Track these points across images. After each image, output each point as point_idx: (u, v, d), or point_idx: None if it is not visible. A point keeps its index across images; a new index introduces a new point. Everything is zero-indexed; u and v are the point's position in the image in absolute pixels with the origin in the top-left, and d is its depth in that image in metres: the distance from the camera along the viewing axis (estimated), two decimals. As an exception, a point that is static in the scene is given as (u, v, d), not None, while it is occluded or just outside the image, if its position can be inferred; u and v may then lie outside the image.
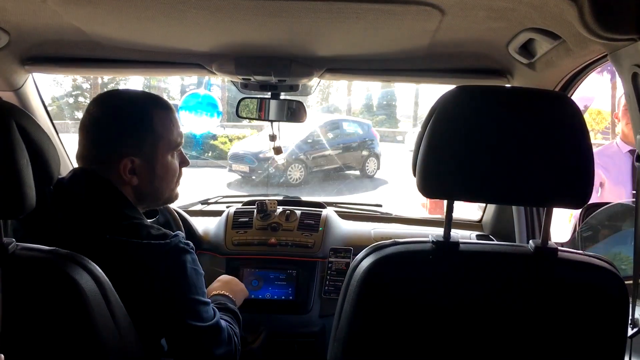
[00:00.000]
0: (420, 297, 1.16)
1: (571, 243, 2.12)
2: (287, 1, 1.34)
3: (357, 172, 12.43)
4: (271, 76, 1.91)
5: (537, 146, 1.11)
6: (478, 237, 2.39)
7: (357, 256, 1.22)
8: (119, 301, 1.22)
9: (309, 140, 11.81)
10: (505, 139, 1.11)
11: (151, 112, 1.43)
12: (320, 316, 2.12)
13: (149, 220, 1.42)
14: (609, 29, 1.17)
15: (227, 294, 1.70)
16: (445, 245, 1.17)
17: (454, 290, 1.16)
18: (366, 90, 25.13)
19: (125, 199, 1.39)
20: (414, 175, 1.18)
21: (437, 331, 1.16)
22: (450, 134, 1.12)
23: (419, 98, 23.20)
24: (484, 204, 2.56)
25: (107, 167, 1.38)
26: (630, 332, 1.26)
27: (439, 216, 3.52)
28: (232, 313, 1.60)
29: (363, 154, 12.51)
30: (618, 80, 1.56)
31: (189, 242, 1.39)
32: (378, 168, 12.46)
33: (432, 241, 1.18)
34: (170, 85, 18.39)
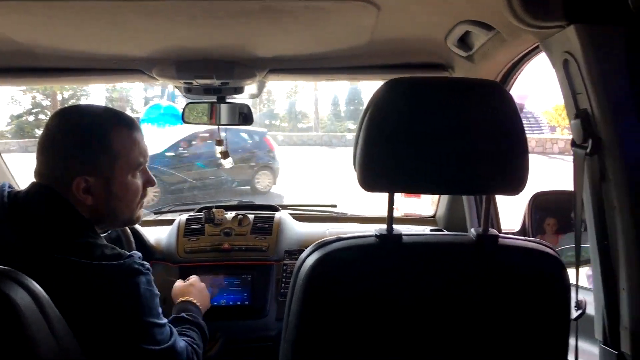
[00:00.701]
0: (365, 291, 1.15)
1: (521, 232, 2.15)
2: (222, 1, 1.33)
3: (248, 187, 11.10)
4: (213, 79, 1.90)
5: (472, 135, 1.12)
6: (432, 231, 2.41)
7: (302, 254, 1.21)
8: (60, 317, 1.17)
9: (170, 154, 10.38)
10: (440, 129, 1.11)
11: (110, 130, 1.37)
12: (277, 319, 2.10)
13: (102, 235, 1.38)
14: (538, 16, 1.19)
15: (196, 302, 1.67)
16: (389, 239, 1.17)
17: (399, 283, 1.16)
18: (333, 94, 25.25)
19: (81, 218, 1.34)
20: (355, 170, 1.17)
21: (384, 324, 1.16)
22: (385, 126, 1.12)
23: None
24: (437, 199, 2.58)
25: (62, 184, 1.34)
26: (574, 314, 1.27)
27: (397, 215, 3.54)
28: (199, 328, 1.57)
29: (252, 167, 11.18)
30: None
31: (145, 262, 1.34)
32: (274, 183, 11.14)
33: (376, 235, 1.17)
34: (133, 98, 18.23)
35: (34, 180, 1.37)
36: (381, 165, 1.12)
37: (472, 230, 1.19)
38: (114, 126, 1.38)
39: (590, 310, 1.35)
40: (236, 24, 1.51)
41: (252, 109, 2.17)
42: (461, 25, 1.52)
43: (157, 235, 2.27)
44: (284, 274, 2.14)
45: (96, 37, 1.63)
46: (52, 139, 1.36)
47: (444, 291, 1.15)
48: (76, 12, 1.37)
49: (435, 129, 1.11)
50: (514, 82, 1.81)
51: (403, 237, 1.17)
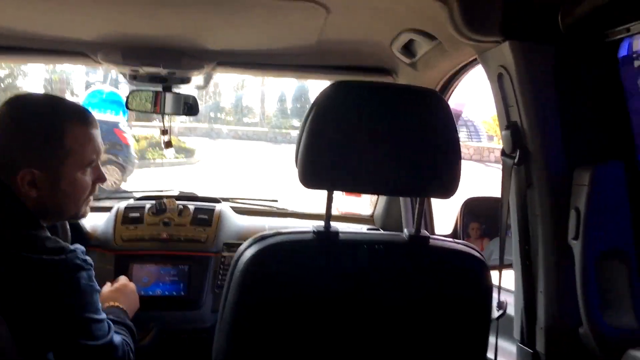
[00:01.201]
0: (301, 287, 1.18)
1: (452, 235, 2.23)
2: None
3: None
4: (160, 68, 1.89)
5: (410, 140, 1.17)
6: (369, 230, 2.47)
7: (240, 247, 1.23)
8: None
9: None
10: (380, 133, 1.16)
11: (64, 125, 1.32)
12: (212, 311, 2.10)
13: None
14: (477, 31, 1.26)
15: (122, 306, 1.62)
16: (326, 235, 1.21)
17: (334, 279, 1.20)
18: (280, 91, 25.19)
19: (24, 209, 1.30)
20: (296, 166, 1.20)
21: (319, 320, 1.19)
22: (328, 126, 1.15)
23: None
24: (375, 199, 2.65)
25: (7, 173, 1.29)
26: (496, 314, 1.35)
27: (340, 213, 3.59)
28: (128, 328, 1.53)
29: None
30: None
31: (87, 258, 1.32)
32: (123, 180, 10.01)
33: (313, 231, 1.21)
34: (74, 81, 17.59)
35: None
36: (322, 164, 1.16)
37: (405, 230, 1.24)
38: (68, 121, 1.34)
39: (511, 310, 1.44)
40: (187, 14, 1.52)
41: (198, 101, 2.17)
42: (406, 33, 1.58)
43: (93, 221, 2.23)
44: (222, 266, 2.14)
45: (39, 18, 1.60)
46: (2, 126, 1.32)
47: (376, 288, 1.20)
48: None
49: (376, 132, 1.15)
50: (453, 90, 1.89)
51: (340, 234, 1.21)
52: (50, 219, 1.41)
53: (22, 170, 1.28)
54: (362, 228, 2.47)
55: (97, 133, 1.39)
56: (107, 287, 1.75)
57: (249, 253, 1.18)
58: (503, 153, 1.36)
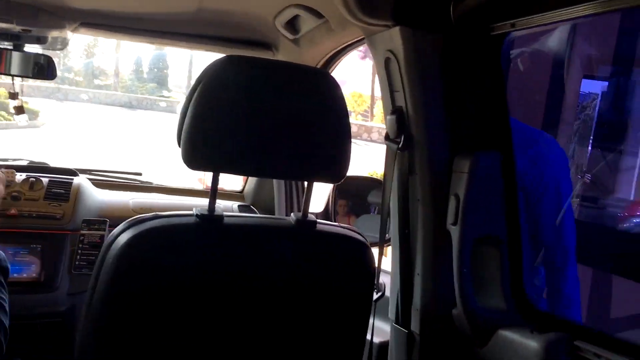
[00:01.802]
0: (182, 273, 1.11)
1: (324, 214, 2.26)
2: None
3: None
4: (13, 24, 1.67)
5: (301, 122, 1.13)
6: (240, 207, 2.42)
7: (113, 230, 1.12)
8: None
9: None
10: (271, 113, 1.11)
11: None
12: (69, 294, 1.95)
13: None
14: (368, 13, 1.24)
15: None
16: (210, 219, 1.13)
17: (218, 264, 1.14)
18: (136, 53, 23.96)
19: None
20: (179, 146, 1.11)
21: (201, 307, 1.13)
22: (216, 104, 1.07)
23: (192, 66, 22.86)
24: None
25: None
26: (375, 296, 1.37)
27: (205, 188, 3.49)
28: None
29: None
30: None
31: None
32: None
33: (196, 214, 1.13)
34: None
35: None
36: (207, 144, 1.09)
37: (292, 215, 1.21)
38: None
39: (386, 292, 1.48)
40: None
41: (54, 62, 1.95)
42: (292, 8, 1.53)
43: None
44: (81, 245, 1.99)
45: None
46: None
47: (262, 273, 1.16)
48: None
49: (266, 112, 1.10)
50: (335, 67, 1.88)
51: (224, 218, 1.15)
52: None
53: None
54: (234, 205, 2.41)
55: None
56: None
57: (124, 237, 1.08)
58: (387, 137, 1.37)
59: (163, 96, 22.55)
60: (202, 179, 4.94)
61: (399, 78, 1.30)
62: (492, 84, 1.29)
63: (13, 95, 1.96)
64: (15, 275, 1.88)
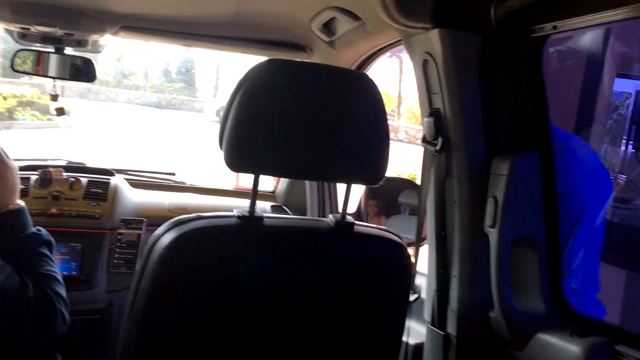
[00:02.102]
0: (224, 273, 1.12)
1: (356, 214, 2.26)
2: None
3: None
4: (56, 28, 1.71)
5: (341, 124, 1.14)
6: (272, 207, 2.44)
7: (156, 231, 1.14)
8: None
9: None
10: (312, 116, 1.12)
11: None
12: (107, 291, 1.99)
13: None
14: (407, 16, 1.24)
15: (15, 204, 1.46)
16: (250, 220, 1.15)
17: (258, 265, 1.15)
18: (165, 54, 24.22)
19: None
20: (221, 149, 1.13)
21: (242, 306, 1.14)
22: (258, 107, 1.09)
23: (220, 67, 23.07)
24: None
25: None
26: (411, 297, 1.37)
27: (235, 188, 3.52)
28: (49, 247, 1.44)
29: None
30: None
31: None
32: None
33: (237, 216, 1.15)
34: None
35: None
36: (250, 146, 1.10)
37: (331, 216, 1.22)
38: None
39: (422, 294, 1.48)
40: None
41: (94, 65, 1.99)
42: (329, 10, 1.54)
43: None
44: (118, 244, 2.03)
45: None
46: None
47: (301, 274, 1.17)
48: None
49: (307, 115, 1.11)
50: (369, 69, 1.89)
51: (265, 219, 1.16)
52: None
53: None
54: (266, 205, 2.43)
55: None
56: None
57: (167, 238, 1.10)
58: (424, 139, 1.37)
59: (192, 96, 22.77)
60: (231, 178, 4.98)
61: (437, 80, 1.30)
62: (532, 85, 1.28)
63: (54, 97, 2.01)
64: (56, 272, 1.93)
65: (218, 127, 1.16)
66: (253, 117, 1.08)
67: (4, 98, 12.59)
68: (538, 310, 1.29)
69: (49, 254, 1.41)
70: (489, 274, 1.29)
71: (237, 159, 1.10)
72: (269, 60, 1.11)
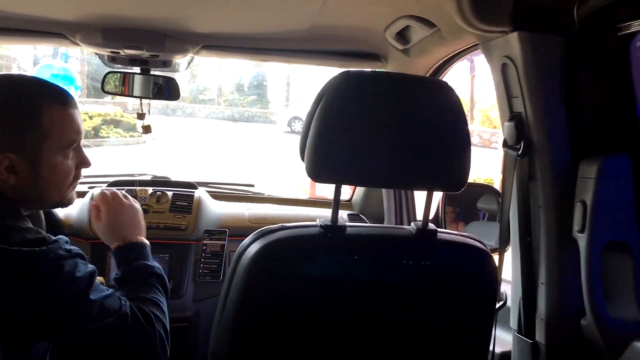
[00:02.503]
0: (310, 281, 1.16)
1: (434, 222, 2.24)
2: None
3: None
4: (143, 50, 1.81)
5: (421, 132, 1.15)
6: (349, 216, 2.45)
7: (244, 241, 1.19)
8: None
9: None
10: (391, 125, 1.13)
11: (41, 106, 1.25)
12: (194, 300, 2.07)
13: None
14: (485, 21, 1.23)
15: (140, 239, 1.47)
16: (333, 229, 1.17)
17: (343, 273, 1.17)
18: (237, 69, 24.85)
19: (2, 197, 1.23)
20: (302, 160, 1.17)
21: (328, 315, 1.17)
22: (338, 118, 1.11)
23: (290, 79, 23.44)
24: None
25: None
26: (497, 305, 1.35)
27: (310, 197, 3.57)
28: (160, 281, 1.41)
29: None
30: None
31: (73, 248, 1.25)
32: None
33: (320, 225, 1.17)
34: (21, 55, 16.86)
35: None
36: (331, 156, 1.13)
37: (413, 224, 1.22)
38: (45, 102, 1.26)
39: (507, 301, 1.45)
40: None
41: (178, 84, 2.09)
42: (403, 19, 1.55)
43: (65, 209, 2.13)
44: (203, 254, 2.10)
45: None
46: None
47: (385, 282, 1.18)
48: None
49: (386, 124, 1.13)
50: (444, 75, 1.88)
51: (347, 228, 1.18)
52: (31, 206, 1.34)
53: None
54: (343, 214, 2.45)
55: (77, 113, 1.32)
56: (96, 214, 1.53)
57: (254, 248, 1.15)
58: (505, 144, 1.35)
59: (264, 108, 23.24)
60: (304, 187, 5.04)
61: (517, 83, 1.27)
62: (620, 85, 1.23)
63: (141, 116, 2.12)
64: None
65: (290, 137, 1.19)
66: (333, 129, 1.11)
67: (90, 117, 13.29)
68: (633, 318, 1.24)
69: (159, 287, 1.41)
70: (579, 280, 1.25)
71: (319, 170, 1.13)
72: (347, 71, 1.14)
